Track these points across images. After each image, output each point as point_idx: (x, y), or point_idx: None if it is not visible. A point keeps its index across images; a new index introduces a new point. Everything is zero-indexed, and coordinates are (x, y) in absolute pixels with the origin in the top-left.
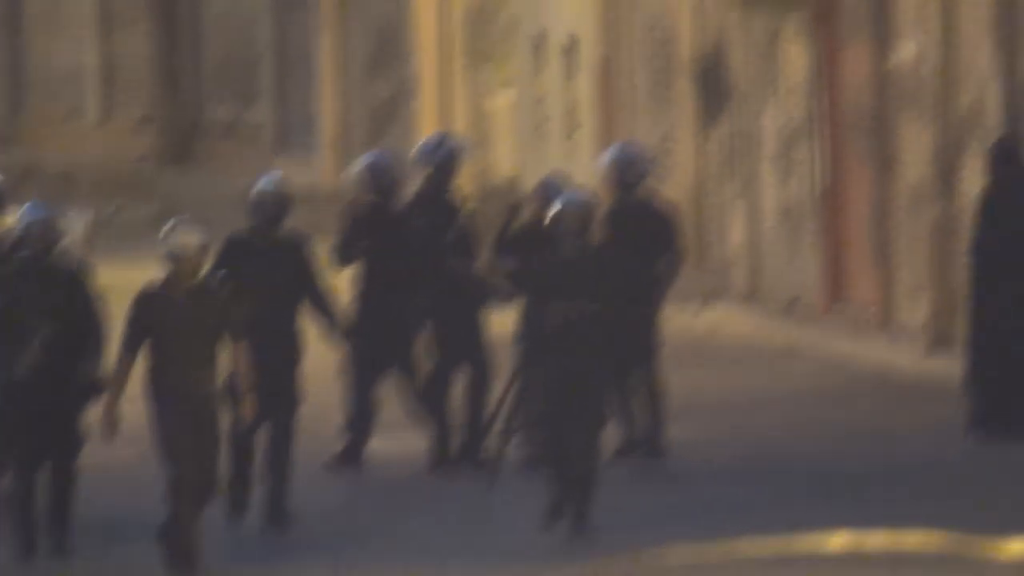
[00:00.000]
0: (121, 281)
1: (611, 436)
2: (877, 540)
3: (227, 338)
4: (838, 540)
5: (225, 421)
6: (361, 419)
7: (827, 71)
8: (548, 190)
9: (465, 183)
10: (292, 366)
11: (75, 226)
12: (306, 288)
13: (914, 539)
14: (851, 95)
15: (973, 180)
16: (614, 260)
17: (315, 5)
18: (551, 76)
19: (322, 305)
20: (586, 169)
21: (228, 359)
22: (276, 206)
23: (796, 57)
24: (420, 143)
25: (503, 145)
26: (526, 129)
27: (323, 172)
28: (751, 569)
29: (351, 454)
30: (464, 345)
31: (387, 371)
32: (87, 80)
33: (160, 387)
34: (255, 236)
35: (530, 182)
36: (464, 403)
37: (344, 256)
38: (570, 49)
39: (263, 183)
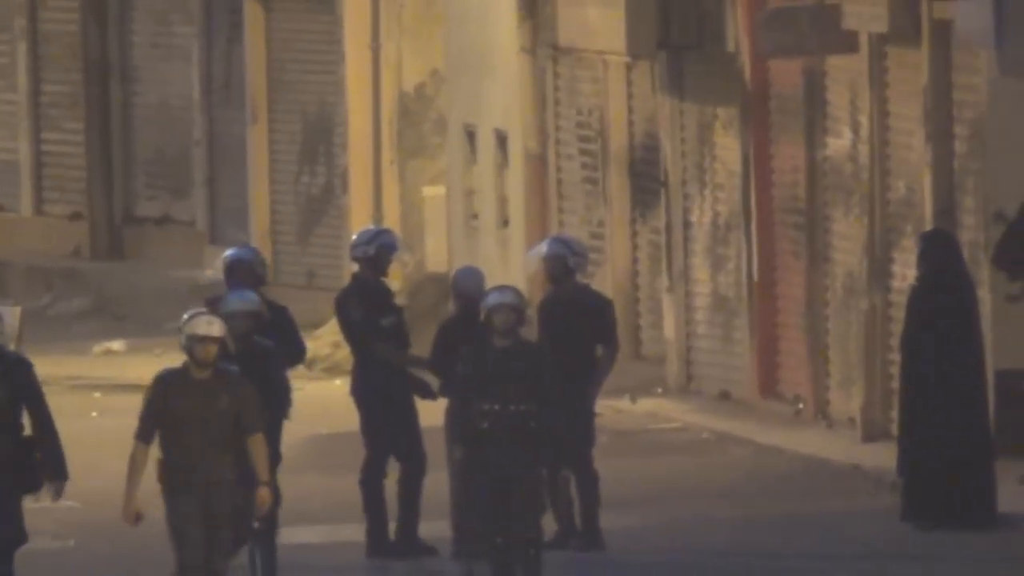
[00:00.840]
0: (55, 372)
1: (547, 526)
2: None
3: (243, 428)
4: None
5: (247, 511)
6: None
7: (759, 163)
8: (461, 283)
9: (396, 275)
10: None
11: (6, 318)
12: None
13: None
14: (783, 187)
15: (905, 272)
16: (546, 353)
17: (246, 98)
18: (482, 170)
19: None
20: (517, 261)
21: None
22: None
23: (728, 148)
24: (355, 235)
25: (435, 237)
26: (458, 222)
27: None
28: None
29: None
30: (397, 435)
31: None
32: (20, 173)
33: (171, 475)
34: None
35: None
36: (399, 493)
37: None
38: (501, 142)
39: (229, 299)
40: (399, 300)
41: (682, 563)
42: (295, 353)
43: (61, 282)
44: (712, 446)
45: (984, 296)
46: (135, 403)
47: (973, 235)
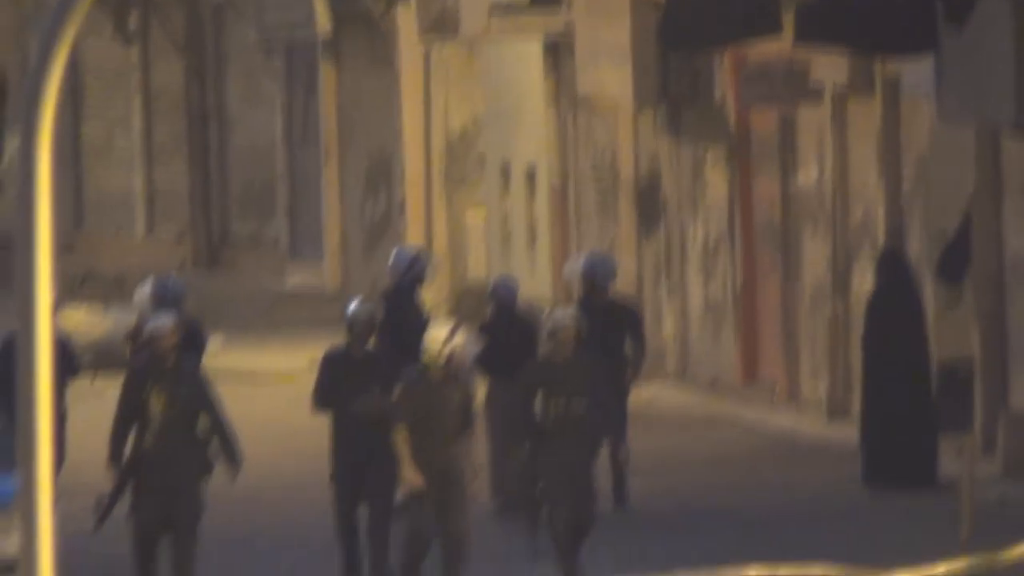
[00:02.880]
0: None
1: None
2: (785, 572)
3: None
4: (753, 572)
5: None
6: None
7: (741, 193)
8: (498, 291)
9: (443, 287)
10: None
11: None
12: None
13: (817, 571)
14: (762, 213)
15: (862, 282)
16: (598, 361)
17: (320, 138)
18: (515, 197)
19: None
20: (543, 272)
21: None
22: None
23: (716, 180)
24: (394, 255)
25: (476, 253)
26: (495, 240)
27: (328, 275)
28: None
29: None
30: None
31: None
32: (134, 201)
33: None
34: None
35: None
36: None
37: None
38: (530, 175)
39: (355, 305)
40: (443, 309)
41: (677, 521)
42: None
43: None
44: (704, 424)
45: (928, 301)
46: (235, 393)
47: (918, 253)
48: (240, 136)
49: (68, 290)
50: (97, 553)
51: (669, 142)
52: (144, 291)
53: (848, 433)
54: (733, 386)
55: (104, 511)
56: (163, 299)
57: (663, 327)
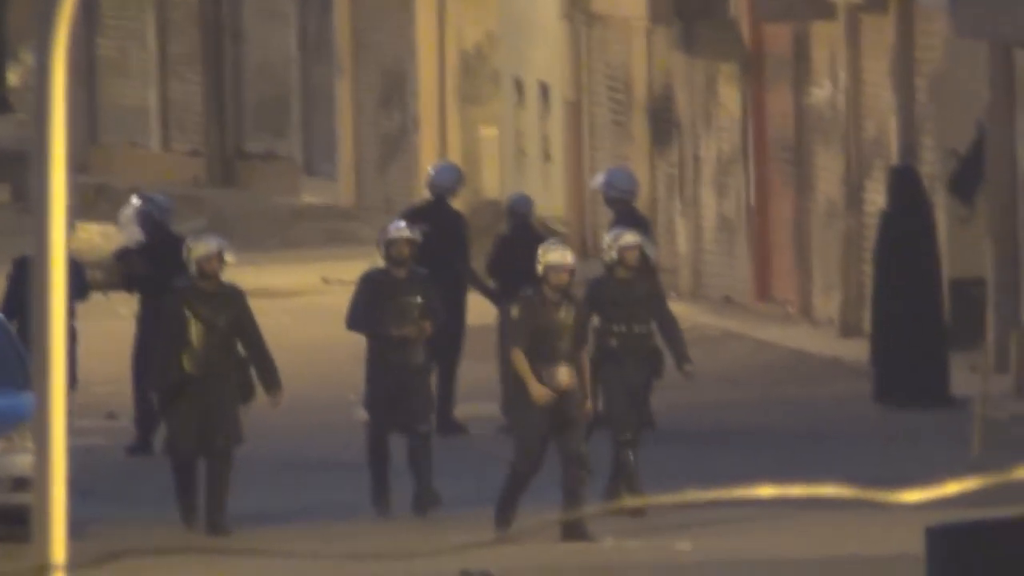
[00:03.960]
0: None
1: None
2: (797, 490)
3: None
4: (765, 490)
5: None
6: None
7: (755, 109)
8: (515, 206)
9: (459, 201)
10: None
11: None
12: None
13: (828, 489)
14: (775, 129)
15: (875, 198)
16: (659, 282)
17: (334, 53)
18: (528, 114)
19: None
20: (558, 188)
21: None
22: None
23: (730, 96)
24: (438, 170)
25: (490, 170)
26: (508, 157)
27: (342, 192)
28: (698, 511)
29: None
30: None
31: None
32: (149, 116)
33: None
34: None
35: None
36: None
37: None
38: (544, 91)
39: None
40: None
41: (692, 436)
42: None
43: (183, 206)
44: (717, 341)
45: (940, 218)
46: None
47: (931, 169)
48: (254, 51)
49: (82, 207)
50: (108, 472)
51: (683, 58)
52: (129, 210)
53: (860, 351)
54: (745, 303)
55: (144, 435)
56: (148, 217)
57: (676, 244)
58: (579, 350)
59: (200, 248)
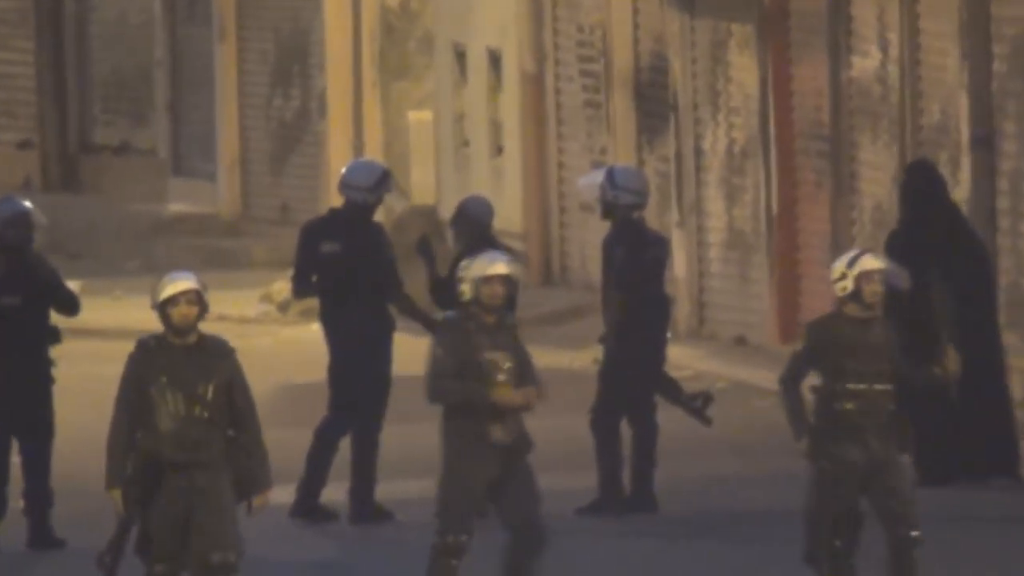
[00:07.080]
0: None
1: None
2: None
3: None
4: None
5: None
6: None
7: (777, 85)
8: (469, 211)
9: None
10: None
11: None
12: None
13: None
14: (805, 111)
15: None
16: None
17: (212, 13)
18: (473, 92)
19: None
20: (512, 192)
21: None
22: None
23: (744, 69)
24: (353, 169)
25: (421, 167)
26: (446, 150)
27: (224, 198)
28: None
29: None
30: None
31: None
32: None
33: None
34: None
35: (451, 207)
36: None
37: None
38: (494, 61)
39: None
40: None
41: (698, 527)
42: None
43: None
44: (728, 396)
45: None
46: (93, 349)
47: (1015, 163)
48: (106, 9)
49: None
50: None
51: (680, 17)
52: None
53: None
54: (766, 346)
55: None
56: (7, 230)
57: (672, 267)
58: None
59: (168, 290)
